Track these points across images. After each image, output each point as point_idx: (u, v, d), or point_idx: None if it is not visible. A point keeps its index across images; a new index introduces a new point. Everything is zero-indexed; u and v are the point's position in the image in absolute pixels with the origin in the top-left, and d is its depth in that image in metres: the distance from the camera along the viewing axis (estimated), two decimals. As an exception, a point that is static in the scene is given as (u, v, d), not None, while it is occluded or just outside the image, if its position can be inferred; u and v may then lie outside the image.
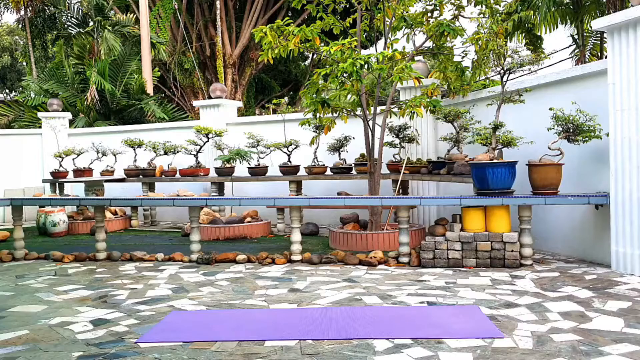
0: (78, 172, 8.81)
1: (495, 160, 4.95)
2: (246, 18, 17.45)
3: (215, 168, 8.20)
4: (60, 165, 8.93)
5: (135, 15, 15.41)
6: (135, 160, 8.88)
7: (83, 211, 8.51)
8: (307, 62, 21.86)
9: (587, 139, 4.69)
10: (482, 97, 6.43)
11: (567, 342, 2.82)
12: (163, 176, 8.65)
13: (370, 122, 6.13)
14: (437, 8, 6.14)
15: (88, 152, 9.08)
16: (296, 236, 5.34)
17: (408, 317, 3.35)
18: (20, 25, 18.05)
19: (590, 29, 10.78)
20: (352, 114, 6.34)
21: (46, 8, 16.85)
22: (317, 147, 7.25)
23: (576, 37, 11.90)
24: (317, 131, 6.92)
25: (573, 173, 5.14)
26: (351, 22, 6.59)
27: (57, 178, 8.93)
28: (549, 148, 4.85)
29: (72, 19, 16.34)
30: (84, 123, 11.59)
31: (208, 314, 3.57)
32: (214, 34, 16.95)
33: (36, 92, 12.94)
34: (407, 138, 6.87)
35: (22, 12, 16.34)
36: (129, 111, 12.36)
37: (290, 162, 7.77)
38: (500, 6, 6.17)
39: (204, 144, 8.37)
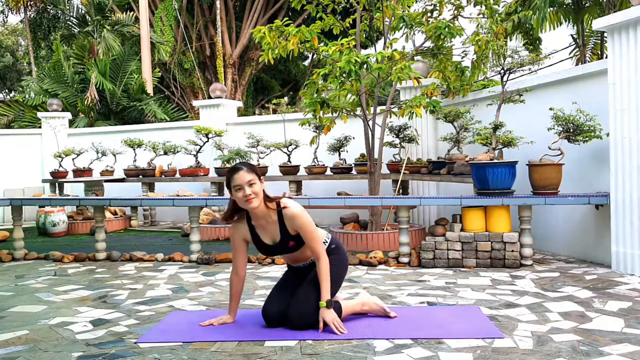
0: (78, 172, 8.81)
1: (495, 160, 4.95)
2: (246, 18, 17.46)
3: (215, 168, 8.19)
4: (60, 165, 8.93)
5: (135, 14, 15.41)
6: (135, 160, 8.88)
7: (83, 211, 8.51)
8: (307, 62, 21.84)
9: (587, 139, 4.69)
10: (482, 97, 6.42)
11: (567, 342, 2.81)
12: (163, 176, 8.64)
13: (370, 122, 6.13)
14: (437, 8, 6.13)
15: (88, 152, 9.08)
16: (296, 236, 5.33)
17: (408, 317, 3.35)
18: (23, 26, 18.08)
19: (591, 28, 10.79)
20: (352, 114, 6.34)
21: (48, 8, 16.87)
22: (317, 147, 7.25)
23: (576, 37, 11.90)
24: (317, 131, 6.92)
25: (573, 173, 5.14)
26: (351, 22, 6.58)
27: (56, 178, 8.93)
28: (549, 148, 4.84)
29: (73, 18, 16.35)
30: (84, 123, 11.59)
31: (208, 314, 3.56)
32: (214, 34, 16.95)
33: (36, 92, 12.94)
34: (407, 138, 6.86)
35: (22, 13, 16.35)
36: (129, 111, 12.37)
37: (290, 162, 7.77)
38: (499, 6, 6.17)
39: (204, 144, 8.37)
